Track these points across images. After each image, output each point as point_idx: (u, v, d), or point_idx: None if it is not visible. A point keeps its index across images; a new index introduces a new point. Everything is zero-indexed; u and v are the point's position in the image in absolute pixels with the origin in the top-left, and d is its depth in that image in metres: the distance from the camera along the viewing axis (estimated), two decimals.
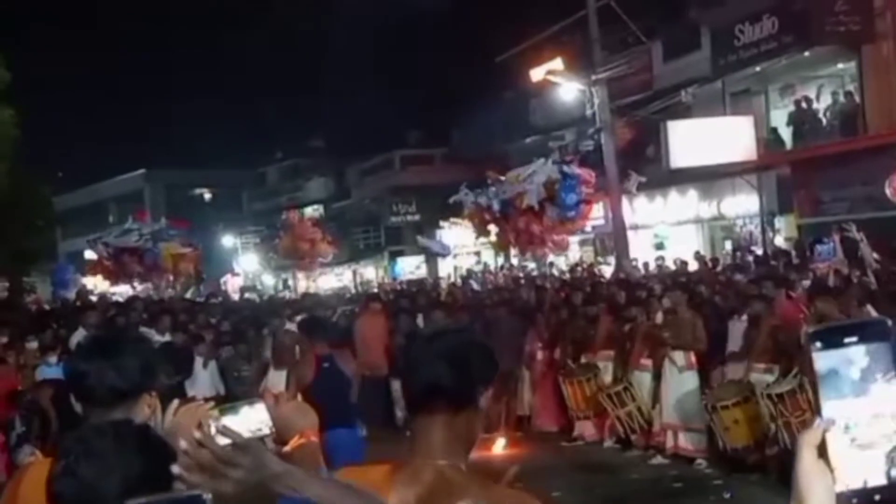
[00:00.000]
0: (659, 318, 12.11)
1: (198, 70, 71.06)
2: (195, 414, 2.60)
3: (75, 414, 2.83)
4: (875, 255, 14.08)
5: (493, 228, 23.93)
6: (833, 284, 12.28)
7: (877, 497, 1.19)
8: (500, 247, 25.24)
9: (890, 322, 1.23)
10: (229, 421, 2.62)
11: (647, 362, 12.11)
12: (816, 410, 1.23)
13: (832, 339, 1.22)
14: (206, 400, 3.13)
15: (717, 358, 11.59)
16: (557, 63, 25.37)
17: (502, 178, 24.00)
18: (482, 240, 27.72)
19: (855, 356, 1.21)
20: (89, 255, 31.23)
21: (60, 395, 9.51)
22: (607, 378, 12.71)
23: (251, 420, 2.67)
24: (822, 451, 1.21)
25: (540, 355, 14.19)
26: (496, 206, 23.26)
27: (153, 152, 57.17)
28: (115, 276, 29.25)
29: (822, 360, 1.22)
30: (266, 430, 2.69)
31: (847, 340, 1.22)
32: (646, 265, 23.20)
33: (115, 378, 2.71)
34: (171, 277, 29.22)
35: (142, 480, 2.01)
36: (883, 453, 1.19)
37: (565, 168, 23.15)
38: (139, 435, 2.13)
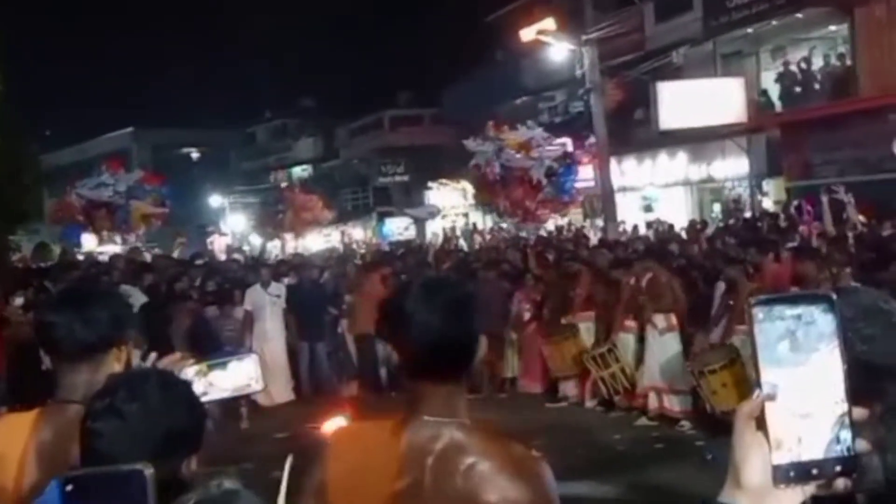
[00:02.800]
0: (644, 281, 12.11)
1: (187, 29, 70.66)
2: (174, 367, 2.56)
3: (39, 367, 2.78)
4: (861, 218, 14.08)
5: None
6: (817, 247, 12.27)
7: (813, 471, 1.18)
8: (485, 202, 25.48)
9: (833, 294, 1.21)
10: (217, 376, 2.58)
11: (632, 324, 12.12)
12: (756, 382, 1.20)
13: (774, 310, 1.20)
14: (184, 355, 3.08)
15: (702, 321, 11.59)
16: (549, 23, 25.25)
17: (501, 136, 24.19)
18: (470, 200, 27.80)
19: (796, 327, 1.19)
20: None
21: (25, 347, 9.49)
22: (589, 339, 12.73)
23: (240, 376, 2.62)
24: (760, 423, 1.19)
25: (527, 317, 14.19)
26: (497, 169, 23.48)
27: (141, 111, 57.02)
28: (81, 226, 29.07)
29: (764, 330, 1.20)
30: (256, 386, 2.64)
31: (789, 312, 1.20)
32: (635, 227, 23.20)
33: (82, 330, 2.66)
34: (137, 235, 29.14)
35: (183, 433, 1.99)
36: (823, 426, 1.18)
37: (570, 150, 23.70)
38: (184, 388, 2.10)
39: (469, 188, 28.75)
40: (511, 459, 2.27)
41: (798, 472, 1.18)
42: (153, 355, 2.70)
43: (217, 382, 2.52)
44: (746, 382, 10.26)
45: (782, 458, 1.18)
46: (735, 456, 1.23)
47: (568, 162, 24.16)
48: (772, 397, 1.19)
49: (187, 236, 36.65)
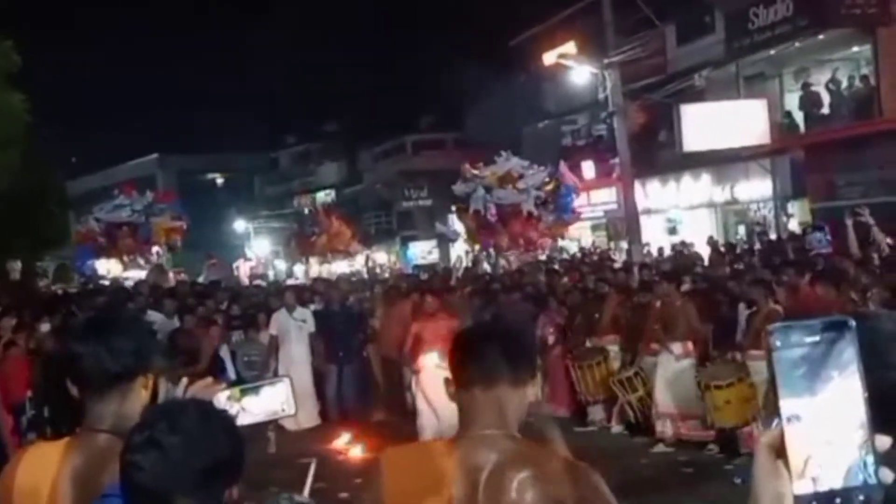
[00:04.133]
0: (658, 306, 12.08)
1: (211, 55, 71.14)
2: (206, 393, 2.56)
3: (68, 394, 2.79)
4: (888, 240, 13.97)
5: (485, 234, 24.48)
6: (841, 270, 12.18)
7: (837, 500, 1.16)
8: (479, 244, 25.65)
9: (853, 320, 1.19)
10: (250, 401, 2.58)
11: (657, 347, 12.06)
12: (775, 410, 1.19)
13: (793, 337, 1.19)
14: (216, 381, 3.07)
15: (727, 344, 11.52)
16: (570, 47, 25.30)
17: (475, 171, 24.48)
18: None
19: (816, 354, 1.18)
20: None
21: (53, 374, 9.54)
22: (616, 363, 12.69)
23: (272, 401, 2.62)
24: (781, 452, 1.18)
25: (552, 340, 14.14)
26: (494, 210, 23.68)
27: (166, 137, 57.31)
28: (105, 252, 29.29)
29: (782, 357, 1.19)
30: (289, 411, 2.64)
31: (808, 339, 1.18)
32: (661, 250, 23.13)
33: (108, 360, 2.66)
34: (161, 252, 29.38)
35: (223, 463, 1.99)
36: (845, 455, 1.16)
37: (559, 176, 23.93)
38: (223, 417, 2.10)
39: None
40: (562, 469, 2.33)
41: (821, 503, 1.17)
42: (184, 380, 2.70)
43: (249, 407, 2.52)
44: (750, 403, 10.28)
45: (804, 487, 1.17)
46: (756, 486, 1.22)
47: (558, 181, 24.25)
48: (790, 425, 1.18)
49: (218, 258, 36.96)
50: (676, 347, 11.58)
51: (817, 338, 1.18)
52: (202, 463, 1.94)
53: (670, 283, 12.31)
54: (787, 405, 1.18)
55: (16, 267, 25.14)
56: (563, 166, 24.99)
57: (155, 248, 29.35)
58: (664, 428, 11.69)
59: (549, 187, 24.18)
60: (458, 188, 24.99)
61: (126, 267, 30.57)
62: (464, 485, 2.31)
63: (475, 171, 24.65)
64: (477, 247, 25.43)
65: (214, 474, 1.95)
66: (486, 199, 23.87)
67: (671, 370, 11.63)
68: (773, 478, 1.20)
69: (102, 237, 28.40)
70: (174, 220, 29.09)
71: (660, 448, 11.61)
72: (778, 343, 1.19)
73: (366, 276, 27.69)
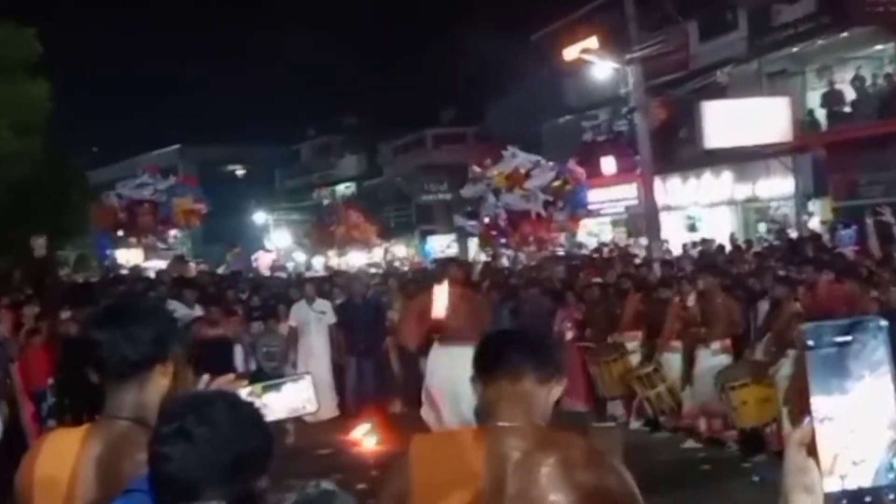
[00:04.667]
0: (691, 300, 12.00)
1: (233, 48, 71.31)
2: (228, 389, 2.56)
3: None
4: None
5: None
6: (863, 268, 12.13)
7: (867, 499, 1.17)
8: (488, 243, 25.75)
9: (884, 321, 1.21)
10: (272, 398, 2.57)
11: (677, 343, 12.02)
12: (807, 409, 1.20)
13: (825, 337, 1.20)
14: (238, 376, 3.08)
15: (746, 340, 11.50)
16: (592, 42, 25.20)
17: (481, 169, 24.62)
18: None
19: (847, 354, 1.19)
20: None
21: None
22: (635, 359, 12.65)
23: (294, 397, 2.61)
24: (811, 450, 1.19)
25: (570, 335, 14.12)
26: (504, 215, 23.80)
27: (188, 128, 57.51)
28: (125, 228, 29.37)
29: (814, 357, 1.20)
30: (310, 408, 2.63)
31: (839, 339, 1.20)
32: (685, 246, 23.03)
33: (127, 348, 2.67)
34: (178, 235, 29.54)
35: (252, 455, 1.98)
36: (875, 454, 1.17)
37: (567, 174, 23.99)
38: (251, 409, 2.09)
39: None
40: (586, 455, 2.38)
41: (851, 501, 1.17)
42: (205, 377, 2.70)
43: (271, 404, 2.52)
44: (769, 402, 10.22)
45: (834, 485, 1.18)
46: (786, 484, 1.22)
47: (566, 180, 24.32)
48: (821, 423, 1.18)
49: (242, 248, 37.16)
50: (715, 343, 11.50)
51: (849, 337, 1.20)
52: (231, 454, 1.94)
53: (715, 277, 12.22)
54: (818, 403, 1.19)
55: (41, 243, 25.21)
56: (571, 163, 25.02)
57: (173, 231, 29.47)
58: (697, 423, 11.64)
59: (557, 184, 24.22)
60: (466, 191, 25.16)
61: (147, 256, 30.70)
62: (492, 473, 2.34)
63: (482, 171, 24.81)
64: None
65: (243, 466, 1.95)
66: (496, 206, 24.02)
67: (707, 365, 11.51)
68: (804, 475, 1.21)
69: (123, 213, 28.49)
70: (196, 202, 29.20)
71: (688, 443, 11.56)
72: (811, 342, 1.20)
73: (385, 269, 27.71)
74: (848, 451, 1.17)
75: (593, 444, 2.46)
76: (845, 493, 1.17)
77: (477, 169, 25.11)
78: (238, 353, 12.52)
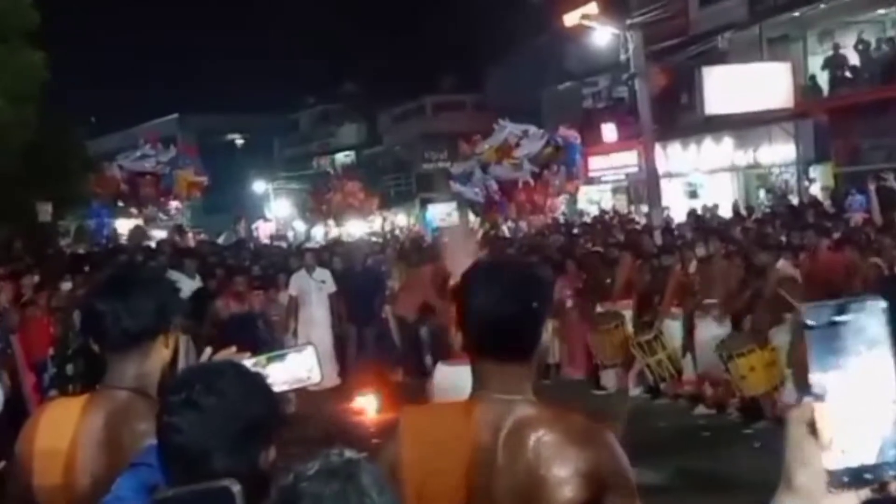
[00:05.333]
0: (692, 267, 11.99)
1: (231, 15, 70.98)
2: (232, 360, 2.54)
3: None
4: None
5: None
6: (865, 235, 12.12)
7: (867, 475, 1.17)
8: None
9: (882, 301, 1.20)
10: (276, 369, 2.56)
11: (678, 310, 12.01)
12: (806, 386, 1.19)
13: (825, 315, 1.20)
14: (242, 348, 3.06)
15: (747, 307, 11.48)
16: (592, 7, 25.03)
17: (477, 150, 24.72)
18: None
19: (847, 332, 1.19)
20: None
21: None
22: (629, 326, 12.64)
23: (298, 368, 2.61)
24: (812, 427, 1.18)
25: (569, 303, 14.13)
26: (495, 187, 23.86)
27: (186, 97, 57.33)
28: (126, 199, 29.40)
29: (815, 335, 1.20)
30: (314, 379, 2.63)
31: (840, 317, 1.19)
32: (689, 213, 23.01)
33: (128, 319, 2.66)
34: (179, 207, 29.58)
35: (260, 424, 1.99)
36: (876, 430, 1.17)
37: (558, 139, 24.08)
38: (259, 379, 2.10)
39: None
40: (579, 431, 2.33)
41: (852, 477, 1.17)
42: (208, 350, 2.68)
43: (275, 374, 2.51)
44: (775, 366, 10.24)
45: (836, 462, 1.18)
46: (788, 460, 1.22)
47: (557, 146, 24.41)
48: (822, 400, 1.18)
49: (246, 218, 37.28)
50: (715, 308, 11.48)
51: (850, 316, 1.19)
52: (240, 424, 1.95)
53: (722, 242, 12.19)
54: (818, 380, 1.19)
55: (46, 209, 25.19)
56: (562, 129, 25.09)
57: (174, 203, 29.49)
58: (702, 390, 11.65)
59: (549, 150, 24.29)
60: (455, 168, 25.24)
61: (146, 226, 30.72)
62: (482, 445, 2.31)
63: (471, 147, 24.99)
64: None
65: (251, 435, 1.96)
66: (484, 178, 24.07)
67: (707, 334, 11.44)
68: (806, 452, 1.20)
69: (125, 185, 28.52)
70: (197, 174, 29.24)
71: (700, 410, 11.56)
72: (811, 320, 1.20)
73: (384, 237, 27.70)
74: (849, 428, 1.17)
75: (589, 419, 2.42)
76: (847, 471, 1.17)
77: (466, 147, 25.26)
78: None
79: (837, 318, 1.19)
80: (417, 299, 14.10)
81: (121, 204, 29.80)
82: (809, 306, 1.21)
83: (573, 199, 27.74)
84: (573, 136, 25.03)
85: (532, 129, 24.80)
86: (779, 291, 10.29)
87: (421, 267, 14.78)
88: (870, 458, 1.17)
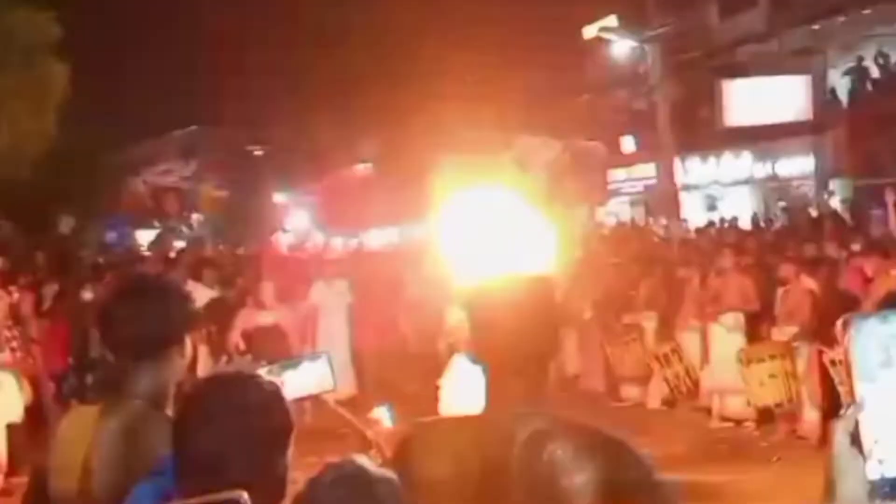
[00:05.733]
0: (710, 279, 11.97)
1: (249, 27, 71.13)
2: (247, 369, 2.56)
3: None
4: None
5: None
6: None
7: None
8: None
9: None
10: (290, 377, 2.58)
11: (695, 323, 11.98)
12: (851, 396, 1.19)
13: (868, 326, 1.21)
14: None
15: (767, 320, 11.44)
16: (611, 20, 25.04)
17: None
18: None
19: (890, 344, 1.19)
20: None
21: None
22: (649, 339, 12.62)
23: (311, 376, 2.63)
24: (855, 438, 1.18)
25: (588, 315, 14.08)
26: None
27: (206, 109, 57.39)
28: (151, 213, 29.55)
29: (858, 346, 1.20)
30: (328, 387, 2.64)
31: (883, 329, 1.21)
32: (708, 224, 22.91)
33: (143, 328, 2.67)
34: (201, 220, 29.72)
35: (276, 434, 2.00)
36: None
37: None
38: (273, 389, 2.10)
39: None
40: (594, 442, 2.31)
41: (892, 488, 1.17)
42: (224, 358, 2.70)
43: (290, 382, 2.52)
44: (795, 378, 10.18)
45: (878, 472, 1.17)
46: (832, 470, 1.23)
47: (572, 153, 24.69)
48: (864, 411, 1.19)
49: (265, 230, 37.33)
50: (729, 319, 11.43)
51: (892, 327, 1.19)
52: (255, 433, 1.95)
53: (741, 255, 12.17)
54: (861, 391, 1.19)
55: (68, 220, 25.33)
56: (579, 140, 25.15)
57: (195, 216, 29.64)
58: (713, 402, 11.61)
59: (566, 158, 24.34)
60: None
61: (167, 235, 30.84)
62: (496, 458, 2.30)
63: None
64: None
65: (267, 444, 1.97)
66: None
67: (723, 345, 11.42)
68: (849, 462, 1.21)
69: (150, 200, 28.70)
70: (217, 189, 29.41)
71: (715, 423, 11.52)
72: (854, 331, 1.20)
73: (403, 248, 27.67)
74: (892, 439, 1.17)
75: (608, 430, 2.41)
76: (888, 481, 1.18)
77: None
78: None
79: (880, 328, 1.20)
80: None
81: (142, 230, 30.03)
82: (854, 316, 1.22)
83: (592, 207, 27.54)
84: (594, 146, 25.01)
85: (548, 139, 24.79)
86: (801, 305, 10.26)
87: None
88: None
